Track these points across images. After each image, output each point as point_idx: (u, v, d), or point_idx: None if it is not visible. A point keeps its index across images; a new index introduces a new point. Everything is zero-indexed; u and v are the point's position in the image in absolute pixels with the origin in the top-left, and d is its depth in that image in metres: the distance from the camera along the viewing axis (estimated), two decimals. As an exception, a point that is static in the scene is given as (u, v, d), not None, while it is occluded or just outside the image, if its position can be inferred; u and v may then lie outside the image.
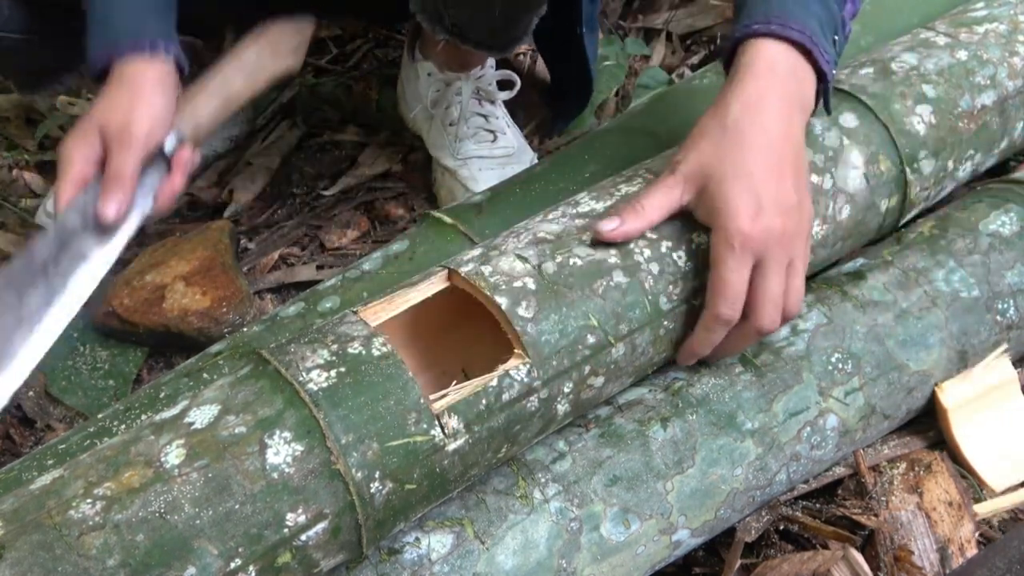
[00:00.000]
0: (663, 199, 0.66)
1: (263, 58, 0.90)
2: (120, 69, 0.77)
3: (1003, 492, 0.79)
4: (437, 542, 0.63)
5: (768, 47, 0.66)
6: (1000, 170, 0.93)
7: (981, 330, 0.77)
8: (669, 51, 1.33)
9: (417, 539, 0.63)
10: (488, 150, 1.10)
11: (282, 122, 1.28)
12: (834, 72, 0.69)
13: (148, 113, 0.75)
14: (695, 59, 1.31)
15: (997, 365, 0.81)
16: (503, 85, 1.14)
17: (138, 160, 0.75)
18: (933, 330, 0.76)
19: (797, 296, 0.66)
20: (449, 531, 0.63)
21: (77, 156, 0.76)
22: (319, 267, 1.08)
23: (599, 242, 0.65)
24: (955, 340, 0.76)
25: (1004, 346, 0.81)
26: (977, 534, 0.75)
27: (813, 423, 0.72)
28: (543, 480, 0.66)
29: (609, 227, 0.65)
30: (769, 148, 0.65)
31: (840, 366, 0.73)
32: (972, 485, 0.79)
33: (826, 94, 0.70)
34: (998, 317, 0.78)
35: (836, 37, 0.70)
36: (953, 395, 0.79)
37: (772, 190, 0.64)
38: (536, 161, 1.10)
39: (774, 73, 0.66)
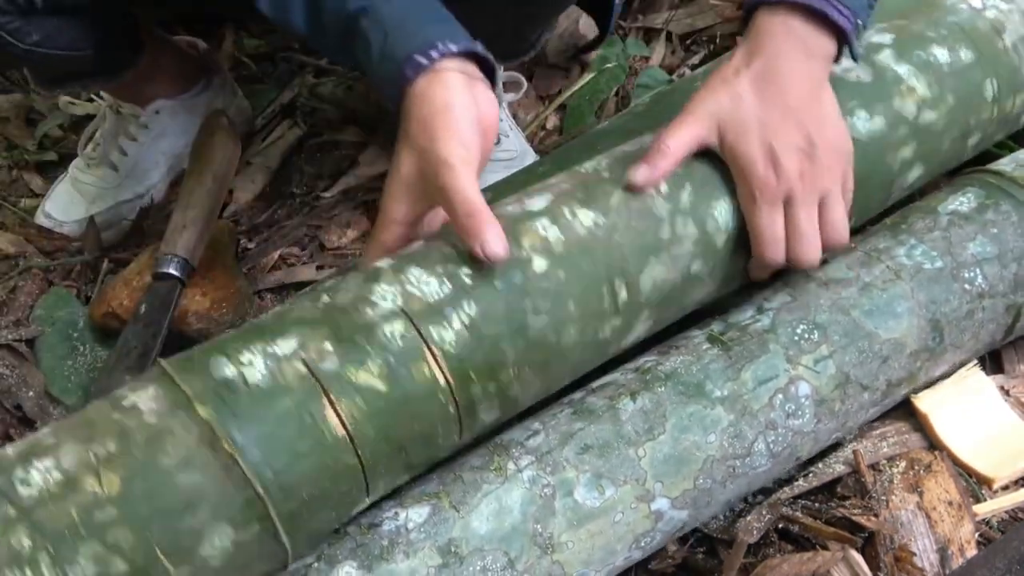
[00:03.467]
0: (685, 135, 0.69)
1: (227, 158, 1.01)
2: (429, 86, 0.66)
3: (1004, 484, 0.79)
4: (414, 513, 0.65)
5: (780, 10, 0.68)
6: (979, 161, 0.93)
7: (951, 299, 0.78)
8: (669, 51, 1.33)
9: (396, 512, 0.65)
10: (491, 152, 1.10)
11: (282, 122, 1.28)
12: (859, 21, 0.69)
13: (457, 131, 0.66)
14: (695, 59, 1.31)
15: (968, 375, 0.83)
16: (508, 87, 1.14)
17: None
18: (899, 300, 0.76)
19: (835, 226, 0.70)
20: (426, 504, 0.65)
21: (392, 218, 0.68)
22: (319, 267, 1.08)
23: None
24: (924, 309, 0.77)
25: (974, 361, 0.83)
26: (977, 534, 0.75)
27: (784, 390, 0.72)
28: (516, 454, 0.68)
29: (641, 177, 0.68)
30: (784, 97, 0.68)
31: (807, 336, 0.74)
32: (971, 486, 0.79)
33: (851, 46, 0.71)
34: (966, 286, 0.78)
35: None
36: (929, 401, 0.81)
37: (788, 135, 0.68)
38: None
39: (789, 30, 0.68)
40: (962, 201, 0.83)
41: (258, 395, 0.57)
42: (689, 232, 0.69)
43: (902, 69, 0.79)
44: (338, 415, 0.57)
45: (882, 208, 0.83)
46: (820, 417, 0.74)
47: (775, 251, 0.69)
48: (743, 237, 0.71)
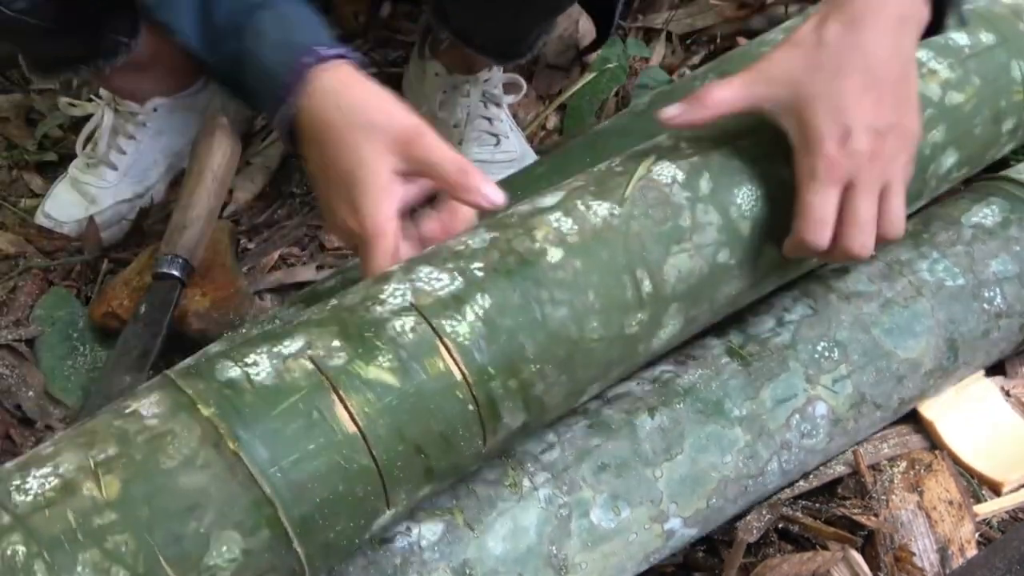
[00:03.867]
0: (736, 93, 0.64)
1: (227, 158, 1.00)
2: (345, 76, 0.66)
3: (1009, 490, 0.79)
4: (427, 530, 0.63)
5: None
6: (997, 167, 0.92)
7: (969, 318, 0.78)
8: (669, 51, 1.33)
9: (408, 528, 0.63)
10: (490, 154, 1.10)
11: (282, 122, 1.28)
12: None
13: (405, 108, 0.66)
14: (695, 59, 1.31)
15: (971, 381, 0.83)
16: (507, 88, 1.14)
17: None
18: (920, 318, 0.76)
19: (894, 218, 0.64)
20: (439, 520, 0.64)
21: (391, 206, 0.63)
22: (319, 267, 1.07)
23: None
24: (943, 328, 0.77)
25: (980, 372, 0.83)
26: (977, 534, 0.75)
27: (802, 411, 0.72)
28: (532, 469, 0.66)
29: (668, 113, 0.64)
30: (867, 68, 0.62)
31: (827, 354, 0.74)
32: (972, 485, 0.79)
33: (940, 10, 0.66)
34: (985, 305, 0.78)
35: None
36: (934, 408, 0.81)
37: (865, 112, 0.61)
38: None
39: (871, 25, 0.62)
40: (986, 213, 0.82)
41: (263, 393, 0.54)
42: (712, 219, 0.65)
43: (921, 53, 0.76)
44: (348, 411, 0.54)
45: (918, 200, 0.79)
46: (833, 436, 0.74)
47: (819, 234, 0.63)
48: (772, 225, 0.67)
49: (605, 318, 0.62)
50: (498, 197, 0.61)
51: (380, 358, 0.56)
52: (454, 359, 0.57)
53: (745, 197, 0.67)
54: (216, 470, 0.52)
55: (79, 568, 0.49)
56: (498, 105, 1.12)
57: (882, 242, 0.65)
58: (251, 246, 1.11)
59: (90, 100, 1.20)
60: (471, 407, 0.58)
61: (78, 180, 1.16)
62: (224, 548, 0.51)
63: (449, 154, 0.62)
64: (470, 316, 0.58)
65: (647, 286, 0.63)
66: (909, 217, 0.81)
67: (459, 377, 0.57)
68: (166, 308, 0.93)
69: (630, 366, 0.67)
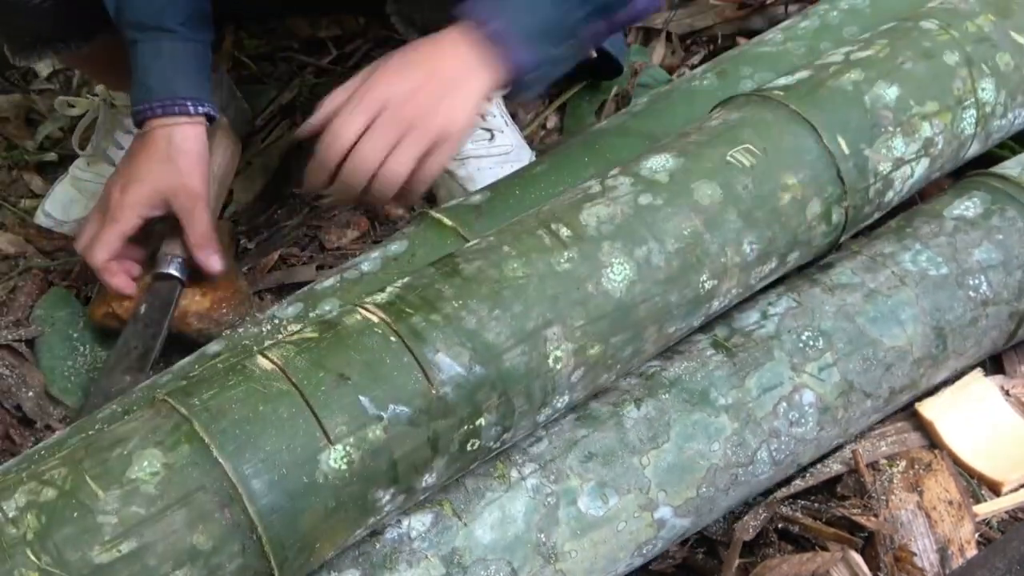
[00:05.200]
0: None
1: (227, 158, 1.00)
2: (168, 129, 0.89)
3: (1009, 490, 0.79)
4: (417, 521, 0.64)
5: (463, 30, 0.77)
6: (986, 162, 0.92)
7: (955, 306, 0.78)
8: (669, 51, 1.33)
9: (398, 520, 0.64)
10: (485, 149, 1.10)
11: (282, 122, 1.28)
12: (541, 71, 0.80)
13: (202, 174, 0.90)
14: (695, 59, 1.31)
15: (971, 381, 0.83)
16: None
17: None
18: (904, 307, 0.76)
19: (395, 161, 0.76)
20: (428, 511, 0.65)
21: (136, 214, 0.90)
22: (319, 267, 1.08)
23: None
24: (928, 316, 0.77)
25: (979, 370, 0.84)
26: (977, 535, 0.75)
27: (788, 398, 0.72)
28: (520, 461, 0.67)
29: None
30: (404, 65, 0.78)
31: (811, 343, 0.74)
32: (972, 486, 0.79)
33: (517, 85, 0.80)
34: (971, 293, 0.78)
35: (568, 42, 0.80)
36: (933, 408, 0.81)
37: (388, 78, 0.77)
38: (534, 159, 1.10)
39: (446, 40, 0.77)
40: (968, 206, 0.82)
41: (202, 371, 0.62)
42: (622, 181, 0.70)
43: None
44: (267, 358, 0.59)
45: (869, 126, 0.77)
46: (823, 425, 0.74)
47: (328, 145, 0.76)
48: (690, 169, 0.71)
49: (525, 259, 0.65)
50: (218, 266, 0.92)
51: (306, 330, 0.62)
52: (372, 312, 0.62)
53: (655, 163, 0.71)
54: (144, 415, 0.59)
55: (16, 496, 0.54)
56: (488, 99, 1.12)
57: (378, 182, 0.77)
58: (251, 246, 1.12)
59: (88, 98, 1.20)
60: (393, 339, 0.60)
61: (78, 178, 1.16)
62: (145, 463, 0.55)
63: (207, 222, 0.90)
64: (389, 289, 0.64)
65: (565, 232, 0.66)
66: (893, 214, 0.83)
67: (377, 320, 0.61)
68: (166, 308, 0.93)
69: (601, 313, 0.65)
